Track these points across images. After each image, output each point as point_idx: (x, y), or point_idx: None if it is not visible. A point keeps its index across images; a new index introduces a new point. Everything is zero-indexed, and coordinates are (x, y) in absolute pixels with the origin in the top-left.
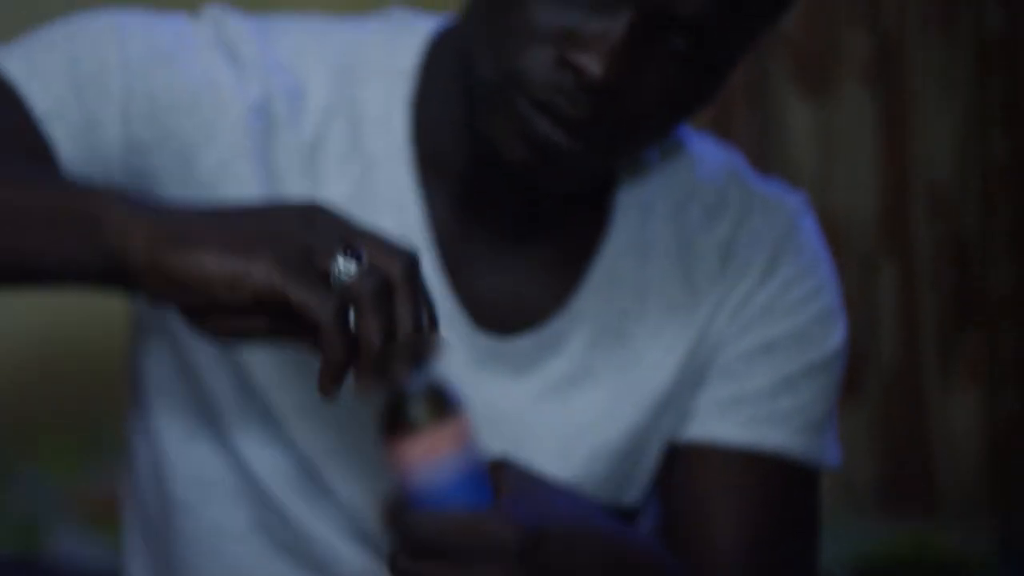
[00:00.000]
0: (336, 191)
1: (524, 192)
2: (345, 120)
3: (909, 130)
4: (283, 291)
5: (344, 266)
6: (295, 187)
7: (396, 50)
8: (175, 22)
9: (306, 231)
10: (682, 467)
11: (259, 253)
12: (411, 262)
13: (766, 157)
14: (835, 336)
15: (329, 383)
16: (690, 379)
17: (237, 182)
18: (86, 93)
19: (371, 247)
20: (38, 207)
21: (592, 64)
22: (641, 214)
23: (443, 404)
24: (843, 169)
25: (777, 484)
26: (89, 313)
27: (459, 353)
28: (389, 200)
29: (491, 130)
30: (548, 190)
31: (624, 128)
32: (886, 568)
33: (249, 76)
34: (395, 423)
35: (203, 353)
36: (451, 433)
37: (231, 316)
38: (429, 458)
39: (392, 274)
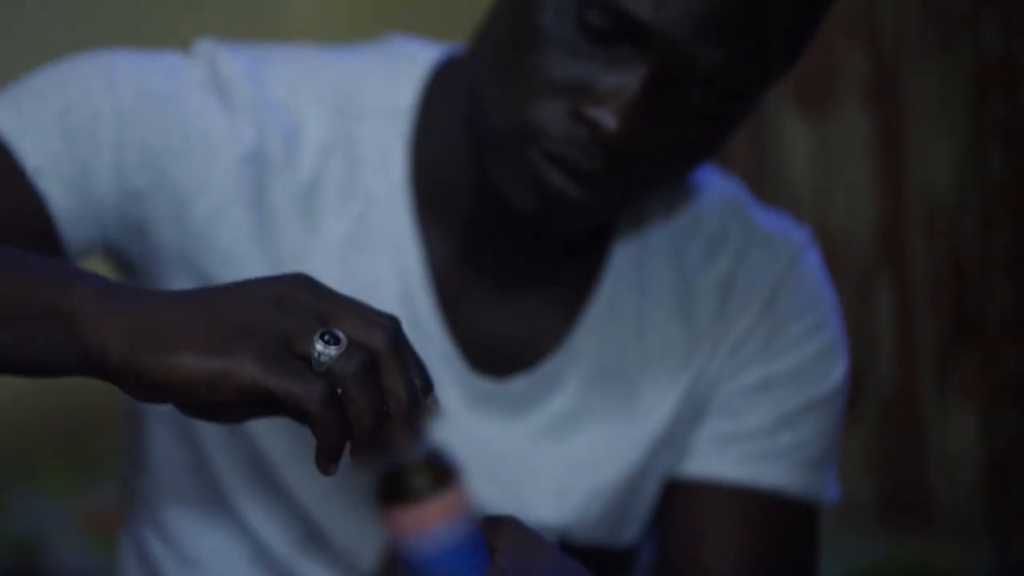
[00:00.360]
0: (334, 231)
1: (528, 236)
2: (343, 158)
3: (907, 149)
4: (266, 386)
5: (324, 349)
6: (292, 230)
7: (395, 85)
8: (167, 60)
9: (281, 315)
10: (679, 503)
11: (236, 350)
12: (394, 331)
13: (764, 176)
14: (835, 373)
15: (326, 462)
16: (688, 416)
17: (231, 228)
18: (78, 145)
19: (350, 323)
20: (8, 298)
21: (607, 119)
22: (640, 251)
23: (439, 473)
24: (841, 188)
25: (775, 521)
26: None
27: (455, 395)
28: (388, 240)
29: (501, 179)
30: (554, 237)
31: (636, 179)
32: None
33: (242, 120)
34: (392, 493)
35: (208, 431)
36: (447, 502)
37: (219, 410)
38: (425, 528)
39: (376, 348)
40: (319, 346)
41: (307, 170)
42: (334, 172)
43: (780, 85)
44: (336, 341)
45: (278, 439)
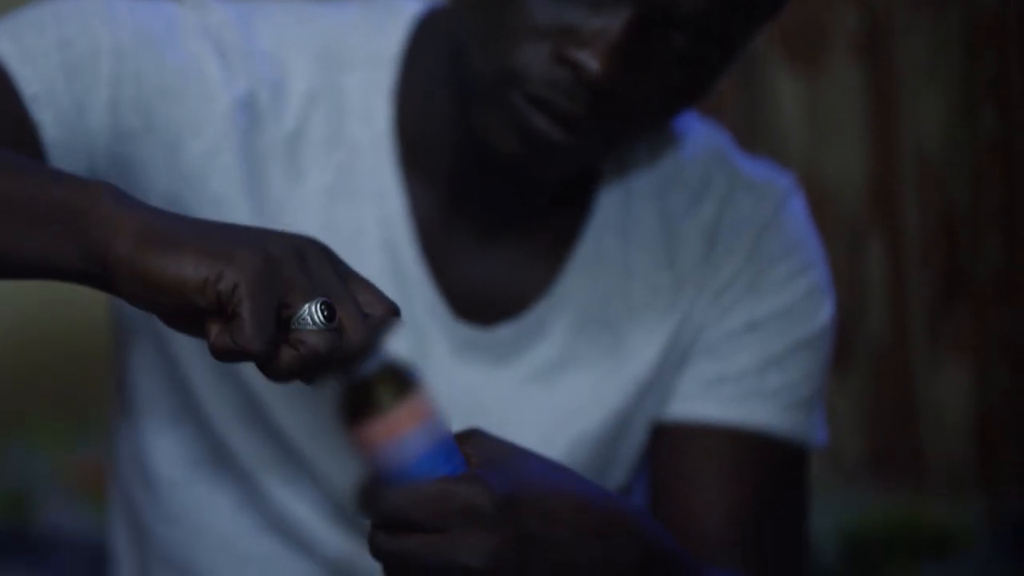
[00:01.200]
0: (318, 180)
1: (512, 183)
2: (327, 108)
3: (898, 105)
4: (240, 301)
5: (311, 317)
6: (278, 179)
7: (379, 36)
8: (163, 6)
9: (295, 264)
10: (667, 447)
11: (237, 261)
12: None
13: (755, 132)
14: (822, 314)
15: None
16: (674, 361)
17: (221, 173)
18: (75, 79)
19: (347, 311)
20: (23, 196)
21: (590, 61)
22: (624, 197)
23: (401, 382)
24: (832, 144)
25: (763, 462)
26: (77, 290)
27: (440, 343)
28: (371, 190)
29: (485, 124)
30: (538, 181)
31: (619, 124)
32: (874, 540)
33: (235, 68)
34: (355, 408)
35: (183, 344)
36: (412, 409)
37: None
38: (394, 437)
39: (352, 345)
40: (309, 311)
41: (292, 120)
42: (318, 122)
43: (770, 39)
44: (328, 320)
45: (267, 380)
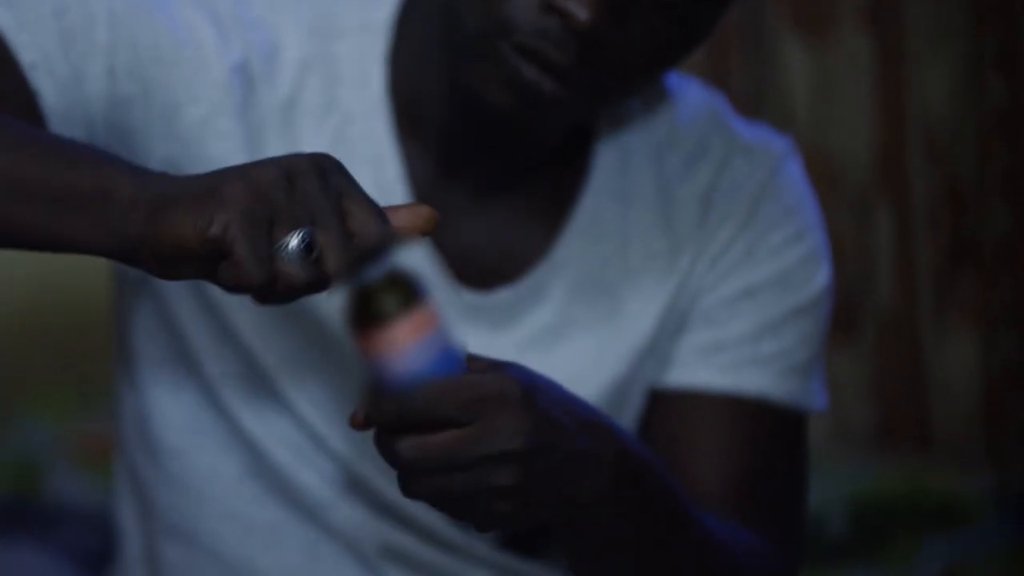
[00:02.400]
0: (313, 146)
1: (505, 140)
2: (320, 76)
3: (906, 73)
4: (231, 245)
5: (293, 248)
6: (274, 143)
7: (371, 3)
8: None
9: (282, 192)
10: (664, 413)
11: (223, 199)
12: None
13: (762, 100)
14: (819, 279)
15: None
16: (671, 327)
17: (220, 138)
18: (73, 47)
19: (331, 235)
20: (46, 179)
21: (579, 9)
22: (621, 160)
23: (407, 291)
24: (839, 112)
25: (760, 428)
26: (80, 258)
27: (439, 308)
28: (367, 155)
29: (475, 78)
30: (531, 137)
31: (609, 75)
32: (880, 509)
33: (229, 35)
34: (361, 317)
35: (184, 308)
36: (419, 318)
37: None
38: (400, 345)
39: (332, 268)
40: (289, 242)
41: (286, 87)
42: (312, 89)
43: (777, 9)
44: (309, 251)
45: (272, 344)
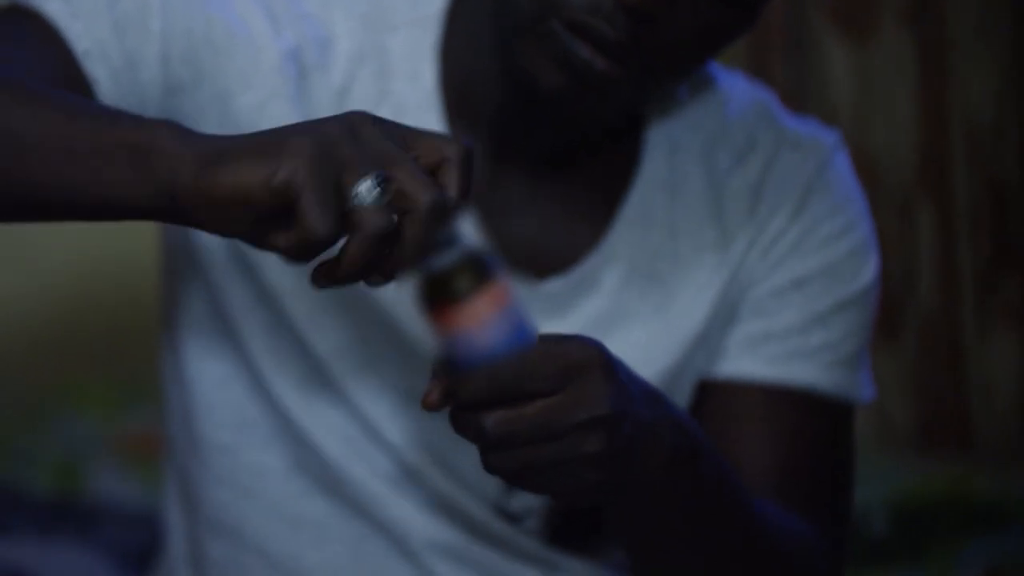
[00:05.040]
0: None
1: (558, 128)
2: (373, 69)
3: (948, 72)
4: (298, 193)
5: (366, 193)
6: None
7: None
8: None
9: (347, 143)
10: (713, 403)
11: (289, 151)
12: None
13: (804, 99)
14: (867, 272)
15: (317, 276)
16: (722, 318)
17: (275, 123)
18: (127, 33)
19: (404, 172)
20: (86, 137)
21: None
22: (670, 152)
23: (480, 269)
24: (882, 112)
25: (808, 420)
26: (125, 256)
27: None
28: None
29: (529, 60)
30: (584, 120)
31: (660, 54)
32: (922, 509)
33: (282, 25)
34: (435, 296)
35: (236, 296)
36: (497, 291)
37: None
38: (483, 319)
39: (415, 206)
40: (363, 187)
41: (339, 77)
42: (364, 81)
43: (820, 7)
44: (384, 191)
45: (327, 334)
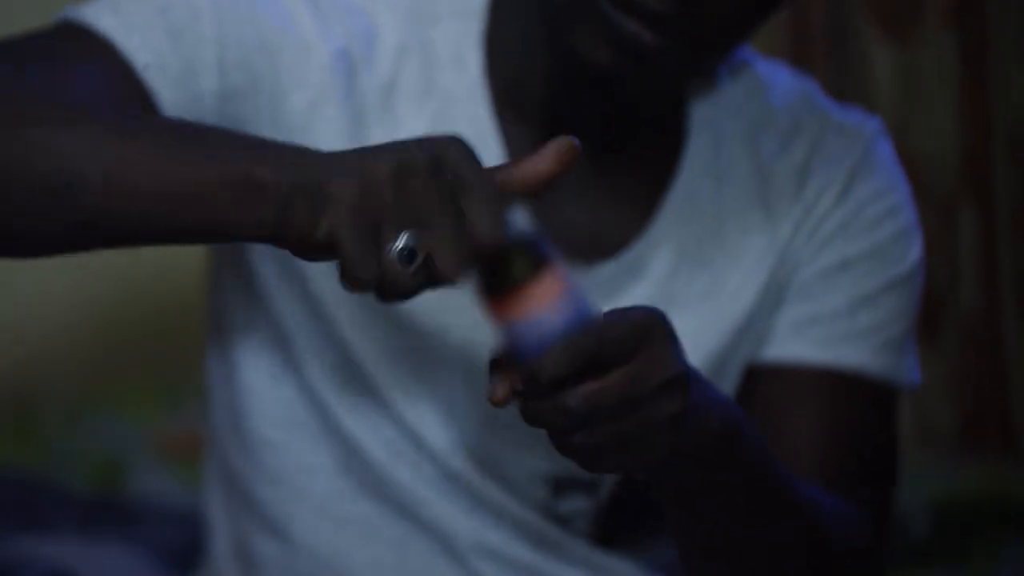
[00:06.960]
0: (414, 130)
1: (607, 110)
2: (418, 60)
3: (991, 75)
4: (339, 244)
5: (396, 253)
6: (376, 128)
7: None
8: None
9: (391, 189)
10: (760, 387)
11: (332, 198)
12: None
13: (846, 100)
14: (912, 254)
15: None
16: (770, 302)
17: (325, 123)
18: (182, 42)
19: (439, 237)
20: (188, 178)
21: None
22: (715, 139)
23: (540, 251)
24: (924, 113)
25: (855, 402)
26: (167, 254)
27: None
28: (468, 137)
29: (576, 38)
30: (633, 99)
31: (705, 26)
32: (964, 511)
33: (330, 22)
34: (498, 284)
35: (284, 301)
36: (557, 276)
37: None
38: (548, 304)
39: (439, 273)
40: (395, 248)
41: (385, 70)
42: (410, 73)
43: (862, 8)
44: (409, 259)
45: (371, 341)
